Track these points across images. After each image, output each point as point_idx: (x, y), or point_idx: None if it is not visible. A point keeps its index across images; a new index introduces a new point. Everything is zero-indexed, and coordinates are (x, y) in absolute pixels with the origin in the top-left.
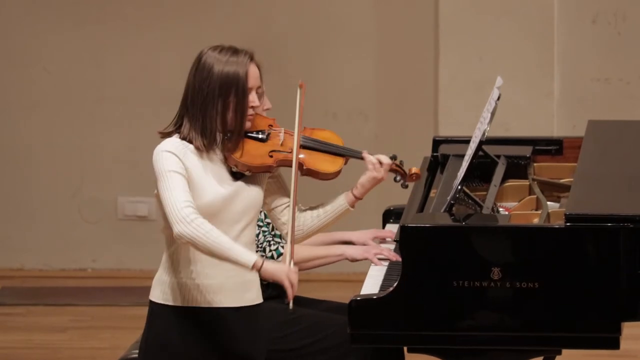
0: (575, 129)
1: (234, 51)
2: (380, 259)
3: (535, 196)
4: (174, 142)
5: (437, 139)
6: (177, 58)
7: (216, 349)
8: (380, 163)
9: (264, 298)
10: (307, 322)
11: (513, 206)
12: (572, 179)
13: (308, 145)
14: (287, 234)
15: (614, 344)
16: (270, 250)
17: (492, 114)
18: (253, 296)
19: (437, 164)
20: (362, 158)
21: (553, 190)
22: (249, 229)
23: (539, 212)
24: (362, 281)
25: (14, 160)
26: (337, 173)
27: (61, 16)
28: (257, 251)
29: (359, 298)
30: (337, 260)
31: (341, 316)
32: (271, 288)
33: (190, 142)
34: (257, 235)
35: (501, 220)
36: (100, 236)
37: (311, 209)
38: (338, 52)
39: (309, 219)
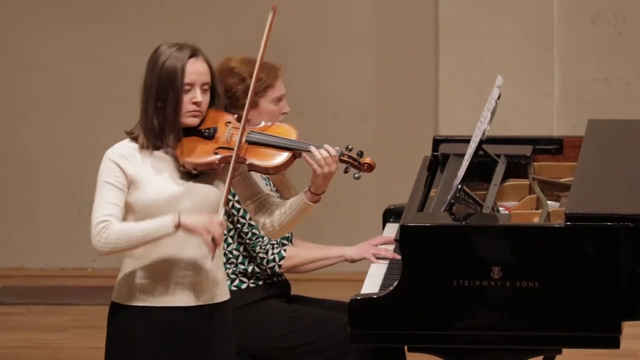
0: (575, 129)
1: (180, 47)
2: (379, 258)
3: (535, 195)
4: (121, 147)
5: (437, 138)
6: None
7: (173, 349)
8: (326, 158)
9: (265, 297)
10: (308, 320)
11: (513, 205)
12: (572, 179)
13: (253, 140)
14: (262, 227)
15: (614, 344)
16: (273, 254)
17: (493, 113)
18: (209, 296)
19: (437, 164)
20: (309, 152)
21: (553, 189)
22: None
23: (539, 211)
24: (362, 280)
25: (14, 160)
26: (281, 167)
27: (61, 16)
28: (259, 253)
29: (359, 297)
30: (337, 262)
31: (342, 314)
32: (274, 287)
33: (137, 141)
34: (262, 238)
35: (501, 220)
36: None
37: (279, 206)
38: (338, 52)
39: (277, 215)
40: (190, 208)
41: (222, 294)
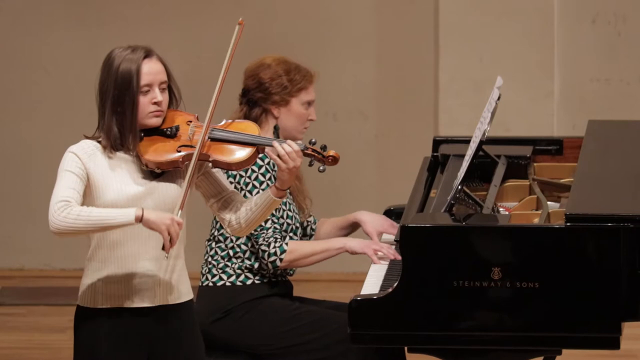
0: (575, 129)
1: (133, 49)
2: (380, 258)
3: (535, 196)
4: (82, 144)
5: (437, 139)
6: (176, 58)
7: (138, 349)
8: (289, 153)
9: (268, 294)
10: (310, 318)
11: (513, 206)
12: (572, 179)
13: (215, 137)
14: (228, 224)
15: (614, 344)
16: (275, 247)
17: (493, 114)
18: (171, 296)
19: (437, 164)
20: (271, 147)
21: (553, 190)
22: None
23: (539, 212)
24: (362, 281)
25: (15, 160)
26: (245, 162)
27: (62, 17)
28: (261, 245)
29: (359, 298)
30: (337, 253)
31: (344, 313)
32: (277, 286)
33: (99, 141)
34: (267, 230)
35: (501, 220)
36: None
37: (245, 203)
38: (338, 52)
39: (243, 212)
40: (152, 207)
41: (185, 294)
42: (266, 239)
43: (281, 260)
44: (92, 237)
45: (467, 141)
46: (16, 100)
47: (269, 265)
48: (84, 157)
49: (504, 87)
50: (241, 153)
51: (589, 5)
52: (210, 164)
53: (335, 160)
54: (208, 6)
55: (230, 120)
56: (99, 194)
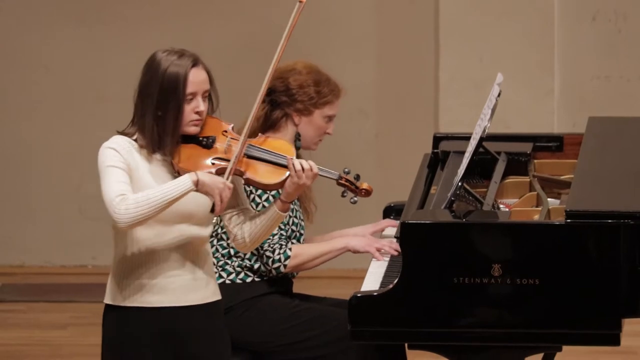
0: (576, 127)
1: (180, 55)
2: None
3: (535, 193)
4: (117, 140)
5: (437, 135)
6: None
7: (165, 349)
8: (303, 169)
9: (268, 292)
10: (310, 315)
11: (513, 203)
12: (572, 176)
13: (252, 155)
14: (233, 239)
15: (614, 341)
16: (279, 254)
17: (493, 110)
18: (200, 296)
19: (437, 161)
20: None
21: (553, 186)
22: (194, 229)
23: (540, 208)
24: (362, 278)
25: (15, 159)
26: (280, 184)
27: (62, 16)
28: (266, 250)
29: (359, 295)
30: (340, 253)
31: (344, 310)
32: (277, 284)
33: (135, 140)
34: (273, 236)
35: (501, 217)
36: (101, 233)
37: (251, 218)
38: (338, 52)
39: (247, 226)
40: (180, 211)
41: (212, 294)
42: (271, 245)
43: (285, 266)
44: (121, 237)
45: (467, 138)
46: (17, 100)
47: (273, 271)
48: (123, 152)
49: (504, 85)
50: (276, 175)
51: (589, 3)
52: (241, 180)
53: (368, 193)
54: (208, 6)
55: (265, 136)
56: (136, 191)
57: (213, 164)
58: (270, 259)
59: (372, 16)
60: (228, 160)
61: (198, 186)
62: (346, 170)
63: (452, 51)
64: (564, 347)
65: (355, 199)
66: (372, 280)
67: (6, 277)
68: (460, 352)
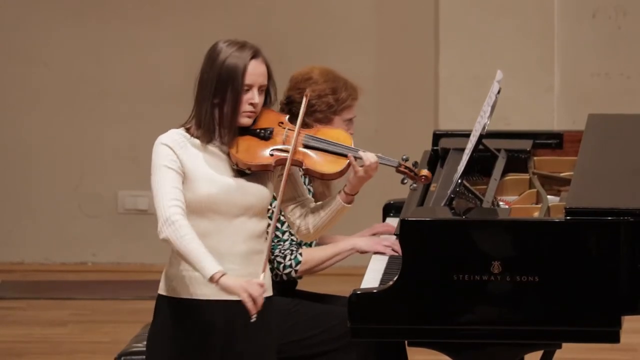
0: (576, 124)
1: (241, 46)
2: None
3: (535, 190)
4: (173, 134)
5: (437, 132)
6: (177, 54)
7: (214, 342)
8: (372, 163)
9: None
10: (310, 313)
11: (513, 200)
12: (572, 173)
13: (310, 145)
14: (297, 230)
15: (614, 338)
16: (290, 259)
17: (493, 107)
18: None
19: (437, 158)
20: (360, 158)
21: (553, 184)
22: (253, 222)
23: (539, 205)
24: (362, 275)
25: (15, 155)
26: (340, 173)
27: (62, 12)
28: (277, 256)
29: (359, 292)
30: (349, 255)
31: (344, 308)
32: (278, 284)
33: (190, 132)
34: (284, 242)
35: (501, 214)
36: (101, 230)
37: (313, 209)
38: (338, 47)
39: (311, 218)
40: (240, 203)
41: (267, 290)
42: (282, 251)
43: (296, 271)
44: None
45: (467, 135)
46: (16, 96)
47: (284, 276)
48: (177, 148)
49: (504, 82)
50: (336, 165)
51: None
52: (300, 170)
53: (427, 179)
54: (208, 2)
55: (320, 126)
56: (191, 186)
57: (272, 155)
58: (282, 265)
59: (372, 12)
60: (287, 152)
61: (218, 284)
62: (404, 157)
63: (452, 47)
64: (564, 344)
65: (415, 185)
66: (372, 278)
67: (6, 274)
68: (460, 349)
